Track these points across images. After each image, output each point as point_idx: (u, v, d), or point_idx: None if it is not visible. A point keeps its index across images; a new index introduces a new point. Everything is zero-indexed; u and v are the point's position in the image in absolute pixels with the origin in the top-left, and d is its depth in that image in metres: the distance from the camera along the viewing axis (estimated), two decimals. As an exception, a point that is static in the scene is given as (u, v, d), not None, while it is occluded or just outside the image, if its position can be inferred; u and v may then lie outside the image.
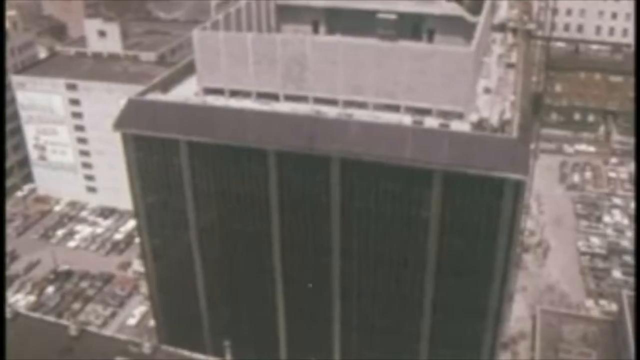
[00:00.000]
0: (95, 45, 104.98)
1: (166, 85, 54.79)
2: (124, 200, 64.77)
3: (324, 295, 52.01)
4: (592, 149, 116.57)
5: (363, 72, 48.40)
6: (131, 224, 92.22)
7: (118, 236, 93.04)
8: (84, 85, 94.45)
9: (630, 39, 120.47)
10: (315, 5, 61.35)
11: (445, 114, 48.11)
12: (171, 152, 51.15)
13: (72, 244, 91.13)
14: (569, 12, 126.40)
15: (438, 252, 47.44)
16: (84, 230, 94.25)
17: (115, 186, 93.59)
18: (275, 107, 50.46)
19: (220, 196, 51.75)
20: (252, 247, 52.74)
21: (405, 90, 48.19)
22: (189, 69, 55.66)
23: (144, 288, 75.37)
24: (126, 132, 51.60)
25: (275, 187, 49.71)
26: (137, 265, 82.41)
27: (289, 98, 51.00)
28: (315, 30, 62.74)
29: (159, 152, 51.43)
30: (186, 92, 53.66)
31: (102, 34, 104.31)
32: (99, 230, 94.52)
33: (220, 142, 49.37)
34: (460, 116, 47.87)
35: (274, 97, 51.25)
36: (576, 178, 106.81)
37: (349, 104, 50.06)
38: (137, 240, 71.66)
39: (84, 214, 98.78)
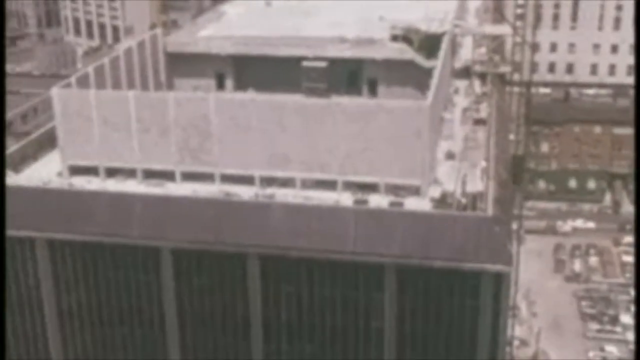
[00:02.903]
0: None
1: (16, 164, 54.70)
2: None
3: None
4: (595, 225, 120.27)
5: (286, 139, 50.11)
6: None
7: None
8: None
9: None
10: (219, 52, 63.79)
11: (396, 190, 49.83)
12: (24, 255, 50.56)
13: None
14: (553, 47, 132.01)
15: (399, 377, 47.89)
16: None
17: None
18: (170, 189, 51.24)
19: (95, 315, 51.10)
20: (142, 385, 51.83)
21: (343, 161, 49.99)
22: (48, 141, 55.99)
23: None
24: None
25: (172, 299, 49.58)
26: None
27: (188, 177, 51.93)
28: (221, 85, 65.13)
29: (7, 255, 50.73)
30: (45, 172, 53.77)
31: None
32: None
33: (94, 239, 49.34)
34: (416, 191, 49.70)
35: (168, 176, 52.11)
36: (577, 266, 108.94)
37: (268, 181, 51.42)
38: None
39: None
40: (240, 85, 64.19)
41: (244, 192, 50.59)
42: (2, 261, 44.98)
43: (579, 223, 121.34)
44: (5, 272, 45.04)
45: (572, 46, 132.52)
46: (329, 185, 50.59)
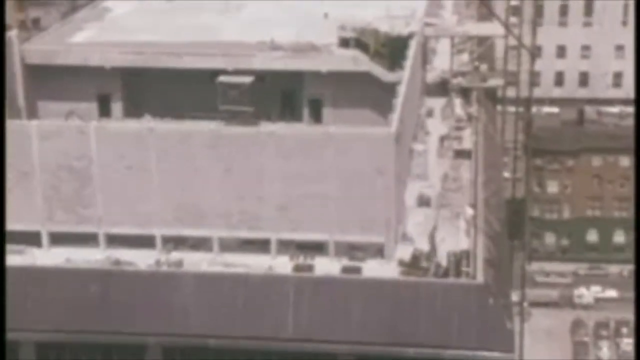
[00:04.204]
0: None
1: None
2: None
3: None
4: (626, 293, 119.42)
5: (198, 184, 50.45)
6: None
7: None
8: None
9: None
10: (102, 64, 63.73)
11: (352, 250, 50.51)
12: None
13: None
14: (561, 51, 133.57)
15: None
16: None
17: None
18: (35, 257, 50.94)
19: None
20: None
21: (278, 212, 50.41)
22: None
23: None
24: None
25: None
26: None
27: (61, 239, 51.78)
28: (105, 110, 65.15)
29: None
30: None
31: None
32: None
33: None
34: (379, 251, 50.38)
35: (31, 238, 51.78)
36: (605, 352, 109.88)
37: (175, 242, 51.69)
38: None
39: None
40: (133, 110, 64.08)
41: (141, 259, 50.53)
42: (2, 261, 45.83)
43: (604, 292, 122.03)
44: (5, 271, 45.01)
45: (586, 49, 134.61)
46: (259, 246, 50.95)
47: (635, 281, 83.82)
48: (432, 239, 50.98)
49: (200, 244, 51.48)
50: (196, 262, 50.41)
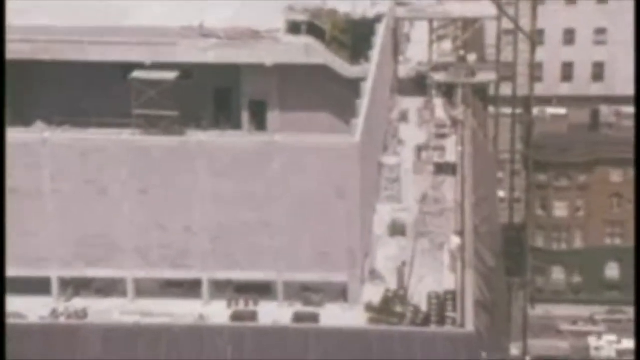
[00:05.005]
0: None
1: None
2: None
3: None
4: None
5: (106, 210, 50.31)
6: None
7: None
8: None
9: None
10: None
11: (306, 292, 50.70)
12: None
13: None
14: (569, 37, 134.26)
15: None
16: None
17: None
18: None
19: None
20: None
21: (210, 244, 50.51)
22: None
23: None
24: None
25: None
26: None
27: None
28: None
29: None
30: None
31: None
32: None
33: None
34: (341, 293, 50.64)
35: None
36: None
37: (77, 286, 51.54)
38: None
39: None
40: (20, 116, 63.49)
41: (32, 309, 50.19)
42: (2, 261, 47.21)
43: (627, 342, 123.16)
44: (5, 272, 46.16)
45: (601, 33, 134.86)
46: (187, 288, 51.12)
47: (636, 283, 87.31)
48: (401, 276, 51.22)
49: (110, 288, 51.34)
50: (105, 310, 50.22)
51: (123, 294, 51.07)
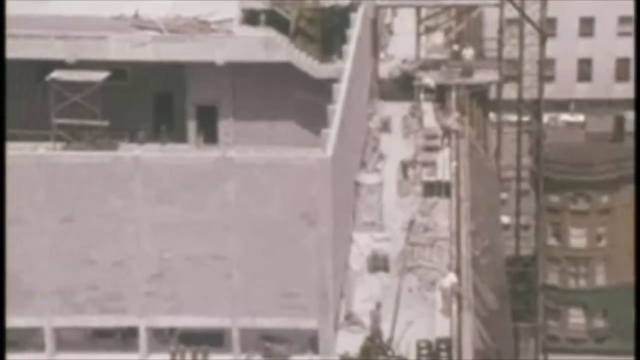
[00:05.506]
0: None
1: None
2: None
3: None
4: None
5: (17, 240, 48.85)
6: None
7: None
8: None
9: None
10: None
11: (267, 341, 49.74)
12: None
13: None
14: (586, 27, 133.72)
15: None
16: None
17: None
18: None
19: None
20: None
21: (149, 285, 49.66)
22: None
23: None
24: None
25: None
26: None
27: None
28: None
29: None
30: None
31: None
32: None
33: None
34: (310, 343, 49.72)
35: None
36: None
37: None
38: None
39: None
40: None
41: None
42: (2, 261, 47.80)
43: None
44: (5, 273, 46.78)
45: (626, 22, 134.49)
46: (120, 338, 50.44)
47: (636, 281, 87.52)
48: (375, 320, 50.22)
49: (23, 340, 50.02)
50: (22, 367, 49.21)
51: (40, 347, 49.93)
